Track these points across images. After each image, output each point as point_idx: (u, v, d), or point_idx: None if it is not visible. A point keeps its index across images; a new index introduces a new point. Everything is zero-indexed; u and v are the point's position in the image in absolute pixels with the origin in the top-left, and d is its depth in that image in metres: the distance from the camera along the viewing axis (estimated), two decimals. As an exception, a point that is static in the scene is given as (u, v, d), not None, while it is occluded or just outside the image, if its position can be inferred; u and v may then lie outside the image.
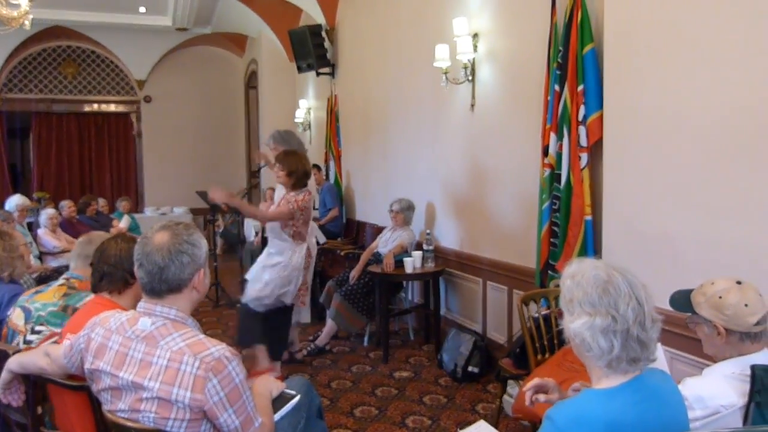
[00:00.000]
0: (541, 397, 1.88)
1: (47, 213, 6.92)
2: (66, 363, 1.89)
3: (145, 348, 1.70)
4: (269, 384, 2.04)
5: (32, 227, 7.24)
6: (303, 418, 2.11)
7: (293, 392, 2.08)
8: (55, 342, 2.18)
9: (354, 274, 5.21)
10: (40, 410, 2.17)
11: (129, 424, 1.67)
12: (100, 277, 2.31)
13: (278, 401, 2.04)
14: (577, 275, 1.51)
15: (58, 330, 2.27)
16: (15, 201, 6.90)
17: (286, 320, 4.38)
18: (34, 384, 2.07)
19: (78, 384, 1.94)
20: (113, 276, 2.22)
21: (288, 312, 4.36)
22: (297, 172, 4.25)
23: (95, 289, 2.38)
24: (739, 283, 1.84)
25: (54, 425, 2.21)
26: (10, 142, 11.66)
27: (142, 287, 1.77)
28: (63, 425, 2.18)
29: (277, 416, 1.97)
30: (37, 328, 2.34)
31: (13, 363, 2.01)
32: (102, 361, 1.73)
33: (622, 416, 1.40)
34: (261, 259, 4.41)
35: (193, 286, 1.78)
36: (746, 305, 1.79)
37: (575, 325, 1.48)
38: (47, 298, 2.44)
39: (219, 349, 1.69)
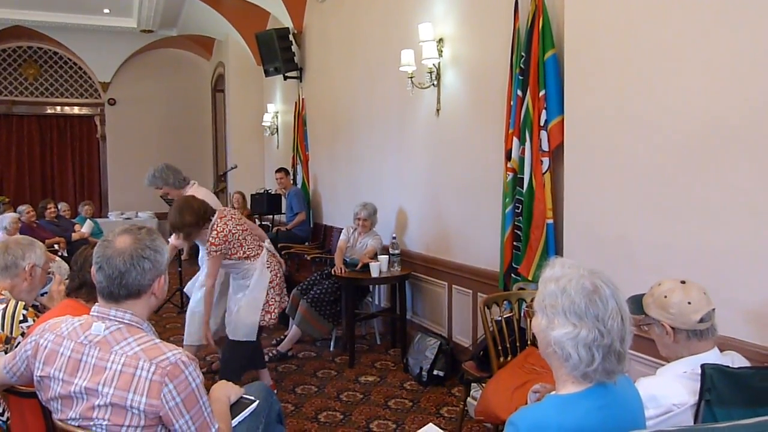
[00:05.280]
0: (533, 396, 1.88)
1: (9, 217, 6.74)
2: (6, 374, 1.83)
3: (98, 353, 1.66)
4: (227, 389, 2.02)
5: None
6: (262, 423, 2.09)
7: (252, 397, 2.06)
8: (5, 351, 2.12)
9: (336, 270, 5.05)
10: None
11: (80, 431, 1.63)
12: (80, 284, 2.26)
13: (236, 407, 2.02)
14: (561, 280, 1.46)
15: None
16: None
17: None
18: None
19: (32, 391, 1.89)
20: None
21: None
22: (180, 226, 3.72)
23: (70, 295, 2.33)
24: (683, 282, 1.89)
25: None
26: (-32, 145, 11.35)
27: (98, 291, 1.73)
28: (20, 432, 2.14)
29: (234, 422, 1.95)
30: None
31: None
32: (53, 367, 1.69)
33: (586, 422, 1.40)
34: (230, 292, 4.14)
35: (152, 292, 1.75)
36: (689, 303, 1.84)
37: (557, 333, 1.44)
38: None
39: (175, 353, 1.66)
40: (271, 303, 3.98)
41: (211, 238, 3.75)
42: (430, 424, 2.16)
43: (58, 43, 10.99)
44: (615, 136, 2.96)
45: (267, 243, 4.17)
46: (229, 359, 3.99)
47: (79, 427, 1.64)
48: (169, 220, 3.82)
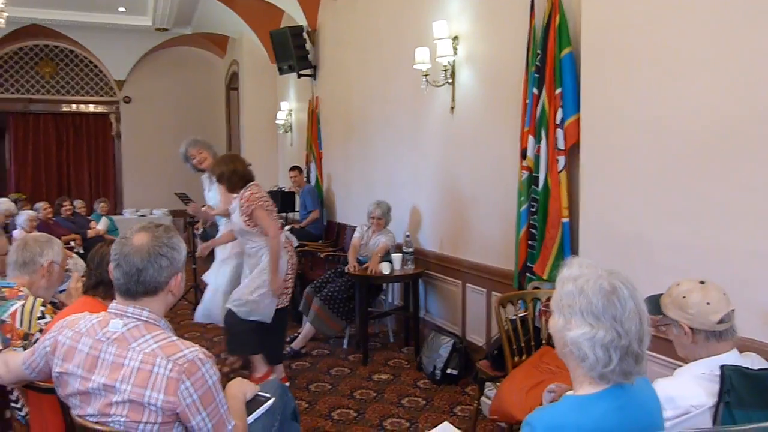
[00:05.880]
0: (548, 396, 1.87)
1: (26, 214, 6.81)
2: (25, 370, 1.85)
3: (116, 350, 1.67)
4: (243, 387, 2.03)
5: (8, 229, 7.12)
6: (277, 420, 2.10)
7: (267, 395, 2.07)
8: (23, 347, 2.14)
9: (350, 268, 5.09)
10: (8, 414, 2.13)
11: (98, 427, 1.64)
12: (97, 282, 2.28)
13: (252, 404, 2.03)
14: (579, 280, 1.45)
15: None
16: (2, 206, 6.82)
17: (282, 322, 4.26)
18: (1, 388, 2.04)
19: (50, 386, 1.91)
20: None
21: (282, 313, 4.19)
22: (228, 174, 4.03)
23: (87, 292, 2.35)
24: (702, 283, 1.87)
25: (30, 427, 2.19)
26: (-14, 143, 11.50)
27: (116, 288, 1.74)
28: (38, 428, 2.16)
29: (250, 419, 1.95)
30: None
31: None
32: (71, 364, 1.70)
33: (603, 423, 1.39)
34: (226, 269, 4.40)
35: (169, 290, 1.76)
36: (708, 303, 1.82)
37: (574, 333, 1.43)
38: None
39: (192, 350, 1.67)
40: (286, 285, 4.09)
41: (246, 195, 3.95)
42: (446, 422, 2.15)
43: (74, 42, 11.08)
44: (632, 134, 2.93)
45: (287, 229, 4.28)
46: (236, 332, 4.09)
47: (97, 423, 1.66)
48: (214, 170, 4.10)
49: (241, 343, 4.07)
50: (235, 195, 4.09)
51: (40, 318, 2.33)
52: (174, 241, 1.74)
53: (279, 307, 4.09)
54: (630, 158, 2.94)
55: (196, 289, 6.88)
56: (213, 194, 5.00)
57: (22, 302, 2.38)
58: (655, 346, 2.70)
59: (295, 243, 4.51)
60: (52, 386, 1.80)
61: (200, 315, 4.78)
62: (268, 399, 2.06)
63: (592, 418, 1.41)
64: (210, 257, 4.98)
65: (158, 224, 1.79)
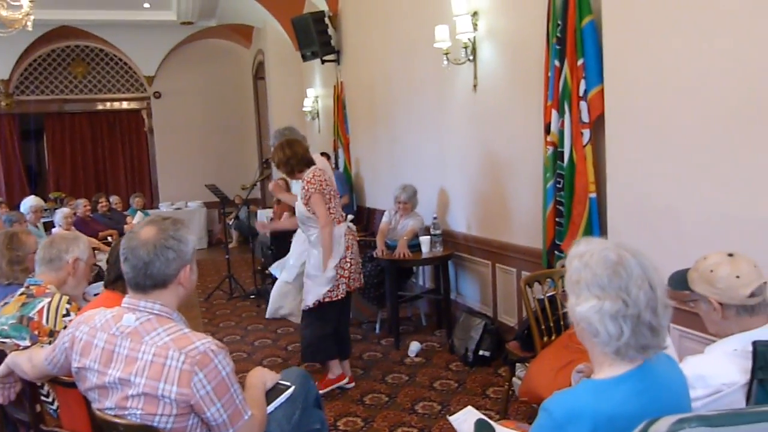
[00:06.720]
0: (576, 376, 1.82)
1: (62, 212, 6.97)
2: (47, 365, 1.88)
3: (130, 344, 1.68)
4: (263, 376, 2.03)
5: (49, 227, 7.32)
6: (298, 408, 2.09)
7: (287, 383, 2.07)
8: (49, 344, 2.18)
9: (378, 252, 5.04)
10: (39, 408, 2.17)
11: (117, 420, 1.66)
12: (117, 276, 2.30)
13: (272, 393, 2.03)
14: (585, 255, 1.42)
15: (21, 343, 2.26)
16: (29, 203, 6.99)
17: (344, 314, 4.06)
18: (31, 382, 2.08)
19: (74, 381, 1.94)
20: None
21: (344, 304, 3.97)
22: (284, 159, 3.88)
23: (108, 287, 2.38)
24: (731, 255, 1.78)
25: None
26: (25, 144, 11.77)
27: (127, 282, 1.76)
28: (68, 421, 2.21)
29: (270, 407, 1.96)
30: (2, 340, 2.29)
31: (9, 359, 2.01)
32: (88, 359, 1.72)
33: (625, 408, 1.34)
34: (298, 257, 4.24)
35: (178, 282, 1.76)
36: (738, 277, 1.74)
37: (582, 308, 1.39)
38: (9, 310, 2.40)
39: (204, 342, 1.67)
40: (338, 278, 3.83)
41: (307, 178, 3.80)
42: (469, 406, 2.11)
43: (102, 41, 11.24)
44: (658, 104, 2.81)
45: (349, 219, 4.05)
46: (308, 340, 3.93)
47: (115, 416, 1.67)
48: (273, 157, 3.98)
49: (317, 350, 3.92)
50: (297, 181, 3.95)
51: (65, 315, 2.37)
52: (181, 233, 1.74)
53: (334, 299, 3.83)
54: (657, 128, 2.83)
55: (230, 279, 6.97)
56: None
57: (49, 299, 2.42)
58: (686, 321, 2.63)
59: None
60: (71, 381, 1.83)
61: (271, 311, 4.73)
62: (288, 387, 2.06)
63: (611, 403, 1.35)
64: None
65: (166, 217, 1.79)
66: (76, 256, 2.64)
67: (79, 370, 1.76)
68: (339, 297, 3.83)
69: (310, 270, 3.89)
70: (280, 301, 4.69)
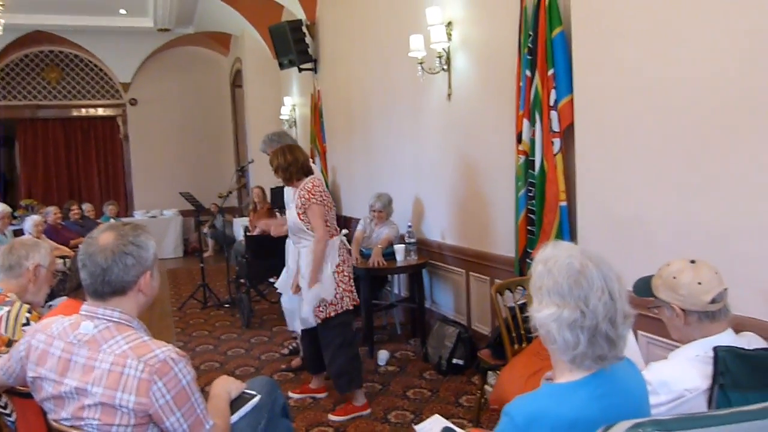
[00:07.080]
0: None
1: (32, 219, 6.85)
2: (2, 375, 1.83)
3: (87, 353, 1.64)
4: (227, 385, 2.00)
5: (18, 235, 7.17)
6: (264, 418, 2.06)
7: (253, 392, 2.04)
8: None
9: (353, 261, 4.93)
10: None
11: (73, 431, 1.61)
12: (78, 284, 2.25)
13: (237, 402, 2.00)
14: (549, 261, 1.42)
15: None
16: None
17: (351, 332, 3.82)
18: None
19: (29, 391, 1.90)
20: None
21: (348, 318, 3.78)
22: (284, 165, 3.71)
23: (69, 294, 2.34)
24: (692, 262, 1.80)
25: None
26: (-4, 151, 11.60)
27: (85, 289, 1.72)
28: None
29: (234, 417, 1.92)
30: None
31: None
32: (44, 368, 1.68)
33: (584, 412, 1.34)
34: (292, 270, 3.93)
35: (138, 289, 1.72)
36: (699, 283, 1.75)
37: (542, 314, 1.39)
38: None
39: (164, 350, 1.63)
40: (341, 291, 3.69)
41: (307, 188, 3.64)
42: (436, 415, 2.10)
43: (77, 46, 11.12)
44: (627, 114, 2.85)
45: (342, 234, 3.91)
46: (338, 370, 3.73)
47: (72, 427, 1.63)
48: (272, 161, 3.77)
49: (351, 378, 3.73)
50: (294, 188, 3.80)
51: (24, 324, 2.31)
52: (141, 239, 1.70)
53: (340, 311, 3.68)
54: (626, 138, 2.86)
55: (204, 287, 6.89)
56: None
57: (8, 308, 2.37)
58: (652, 327, 2.65)
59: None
60: (27, 391, 1.78)
61: (294, 325, 4.23)
62: (253, 396, 2.03)
63: (571, 407, 1.36)
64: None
65: (126, 223, 1.76)
66: (37, 263, 2.59)
67: (34, 380, 1.71)
68: (345, 309, 3.70)
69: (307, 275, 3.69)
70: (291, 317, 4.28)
